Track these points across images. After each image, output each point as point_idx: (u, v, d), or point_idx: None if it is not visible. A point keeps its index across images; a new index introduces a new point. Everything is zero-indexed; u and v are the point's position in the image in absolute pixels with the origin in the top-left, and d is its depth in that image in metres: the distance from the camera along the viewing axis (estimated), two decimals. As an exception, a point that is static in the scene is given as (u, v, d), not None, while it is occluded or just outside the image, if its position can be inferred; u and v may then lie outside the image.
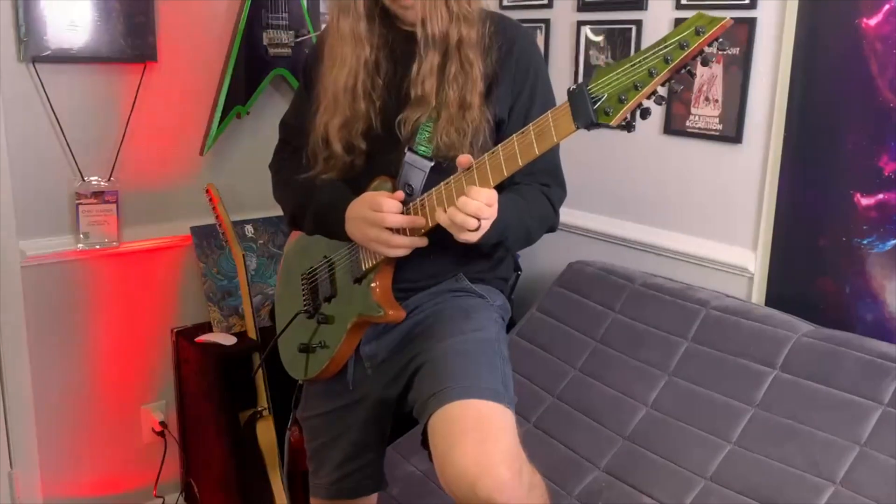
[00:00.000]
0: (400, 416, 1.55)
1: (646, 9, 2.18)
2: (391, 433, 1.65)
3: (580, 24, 2.34)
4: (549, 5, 2.44)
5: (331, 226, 1.44)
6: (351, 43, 1.40)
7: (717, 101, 2.04)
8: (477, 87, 1.37)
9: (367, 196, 1.38)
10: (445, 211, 1.25)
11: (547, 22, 2.45)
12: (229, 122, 2.39)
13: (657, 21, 2.16)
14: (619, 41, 2.25)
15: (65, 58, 2.11)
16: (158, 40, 2.24)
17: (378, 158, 1.44)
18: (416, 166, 1.37)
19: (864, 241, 1.80)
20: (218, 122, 2.35)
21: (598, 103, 1.07)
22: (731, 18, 1.04)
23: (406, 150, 1.38)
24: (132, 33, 2.19)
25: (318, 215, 1.47)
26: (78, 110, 2.18)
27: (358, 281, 1.43)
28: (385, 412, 1.56)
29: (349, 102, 1.41)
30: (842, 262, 1.84)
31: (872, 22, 1.74)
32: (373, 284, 1.41)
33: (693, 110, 2.09)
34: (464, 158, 1.25)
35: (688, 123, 2.11)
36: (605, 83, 1.07)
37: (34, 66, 2.08)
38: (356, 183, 1.44)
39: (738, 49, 1.98)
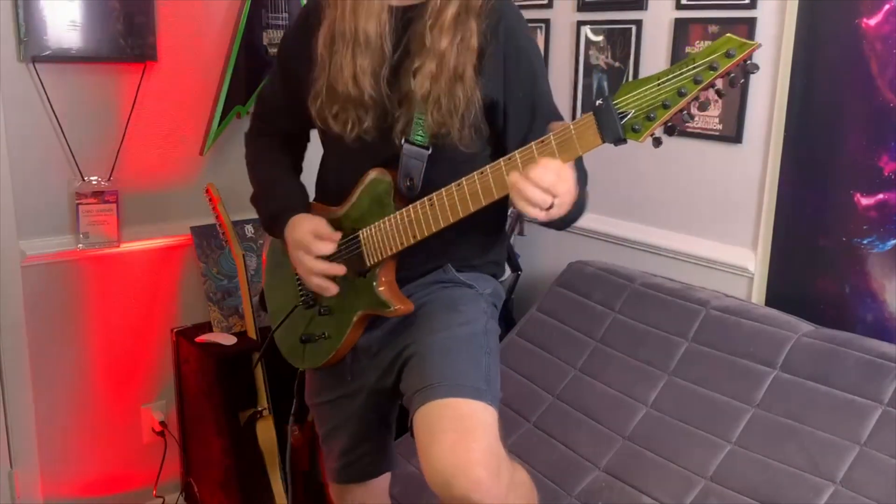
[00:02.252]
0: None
1: (646, 9, 2.18)
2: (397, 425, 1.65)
3: (580, 24, 2.34)
4: (549, 5, 2.44)
5: (275, 231, 1.52)
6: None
7: (716, 101, 2.04)
8: (472, 59, 1.35)
9: (310, 228, 1.42)
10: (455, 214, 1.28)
11: (547, 22, 2.45)
12: (229, 122, 2.39)
13: (657, 21, 2.16)
14: (619, 41, 2.25)
15: (65, 58, 2.11)
16: (158, 40, 2.24)
17: (373, 132, 1.41)
18: (414, 157, 1.36)
19: (864, 241, 1.80)
20: (218, 122, 2.35)
21: (626, 119, 1.10)
22: (760, 43, 1.08)
23: (403, 143, 1.37)
24: (132, 33, 2.19)
25: (267, 217, 1.55)
26: (78, 110, 2.18)
27: (363, 274, 1.43)
28: (384, 401, 1.57)
29: (378, 48, 1.37)
30: (842, 262, 1.84)
31: (872, 22, 1.74)
32: (378, 280, 1.41)
33: (693, 110, 2.09)
34: None
35: (687, 124, 2.10)
36: (632, 99, 1.10)
37: (34, 66, 2.08)
38: (352, 157, 1.43)
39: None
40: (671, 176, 2.18)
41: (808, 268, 1.91)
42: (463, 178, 1.26)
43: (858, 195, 1.80)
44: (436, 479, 1.22)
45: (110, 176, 2.25)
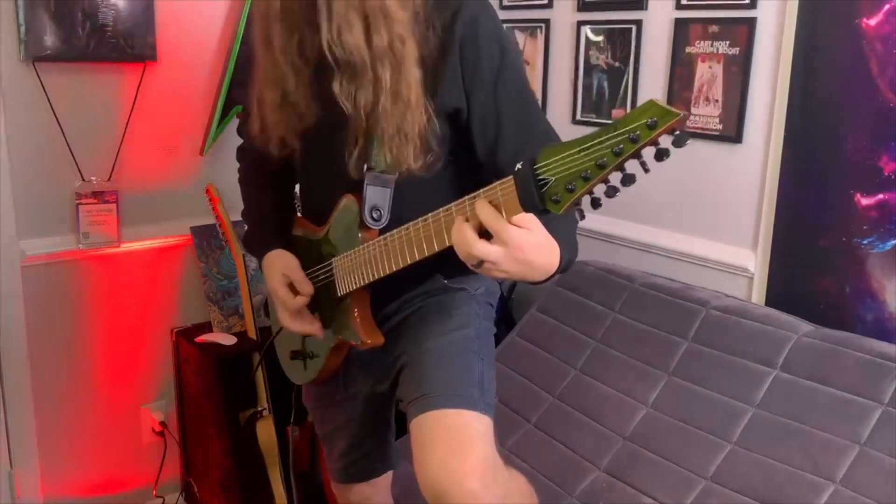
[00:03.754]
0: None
1: (646, 9, 2.18)
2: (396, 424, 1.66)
3: (580, 24, 2.34)
4: (549, 5, 2.44)
5: (255, 252, 1.53)
6: (282, 18, 1.30)
7: (717, 101, 2.04)
8: (415, 76, 1.23)
9: (282, 275, 1.42)
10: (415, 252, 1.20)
11: (547, 22, 2.45)
12: (229, 122, 2.39)
13: (657, 21, 2.16)
14: (619, 41, 2.25)
15: (65, 58, 2.11)
16: (158, 40, 2.24)
17: (323, 160, 1.39)
18: (379, 184, 1.30)
19: (864, 241, 1.80)
20: (218, 122, 2.35)
21: (546, 188, 0.98)
22: (686, 114, 0.93)
23: (365, 170, 1.31)
24: (132, 33, 2.19)
25: (246, 240, 1.58)
26: (78, 110, 2.17)
27: (338, 302, 1.41)
28: (382, 404, 1.57)
29: (294, 113, 1.33)
30: (842, 262, 1.84)
31: (872, 22, 1.74)
32: (353, 311, 1.39)
33: (693, 110, 2.09)
34: None
35: (688, 123, 2.10)
36: (554, 165, 0.97)
37: (34, 66, 2.08)
38: (319, 181, 1.42)
39: (738, 49, 1.98)
40: (671, 176, 2.18)
41: (808, 268, 1.91)
42: (411, 224, 1.19)
43: (858, 195, 1.80)
44: (430, 491, 1.22)
45: (110, 176, 2.25)
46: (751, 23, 1.95)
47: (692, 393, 1.84)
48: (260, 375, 2.29)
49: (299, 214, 1.57)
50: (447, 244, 1.12)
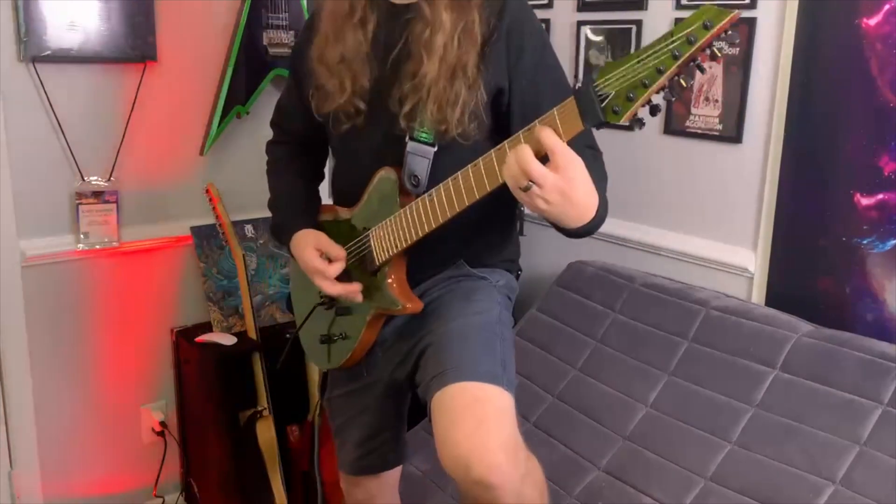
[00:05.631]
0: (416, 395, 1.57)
1: (646, 9, 2.18)
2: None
3: (580, 24, 2.34)
4: (549, 5, 2.43)
5: (281, 242, 1.58)
6: (348, 15, 1.39)
7: (717, 101, 2.04)
8: (474, 50, 1.33)
9: (315, 249, 1.45)
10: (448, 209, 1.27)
11: (547, 22, 2.45)
12: (229, 122, 2.39)
13: (657, 21, 2.15)
14: (619, 41, 2.25)
15: (65, 58, 2.11)
16: (158, 40, 2.25)
17: (365, 133, 1.44)
18: (419, 154, 1.37)
19: (864, 241, 1.80)
20: (218, 122, 2.36)
21: (606, 101, 1.05)
22: (739, 11, 1.02)
23: (407, 140, 1.37)
24: (132, 33, 2.19)
25: (273, 228, 1.61)
26: (78, 110, 2.18)
27: (374, 273, 1.45)
28: (398, 392, 1.59)
29: (350, 70, 1.40)
30: (842, 262, 1.84)
31: (872, 22, 1.74)
32: (389, 279, 1.42)
33: (693, 110, 2.09)
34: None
35: (688, 123, 2.11)
36: (612, 80, 1.05)
37: (34, 66, 2.08)
38: (360, 160, 1.45)
39: (738, 49, 1.98)
40: (671, 176, 2.18)
41: (808, 268, 1.91)
42: (459, 171, 1.25)
43: (858, 195, 1.80)
44: (454, 462, 1.22)
45: (110, 176, 2.25)
46: (751, 23, 1.95)
47: (692, 393, 1.84)
48: (260, 375, 2.29)
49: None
50: (499, 181, 1.17)
